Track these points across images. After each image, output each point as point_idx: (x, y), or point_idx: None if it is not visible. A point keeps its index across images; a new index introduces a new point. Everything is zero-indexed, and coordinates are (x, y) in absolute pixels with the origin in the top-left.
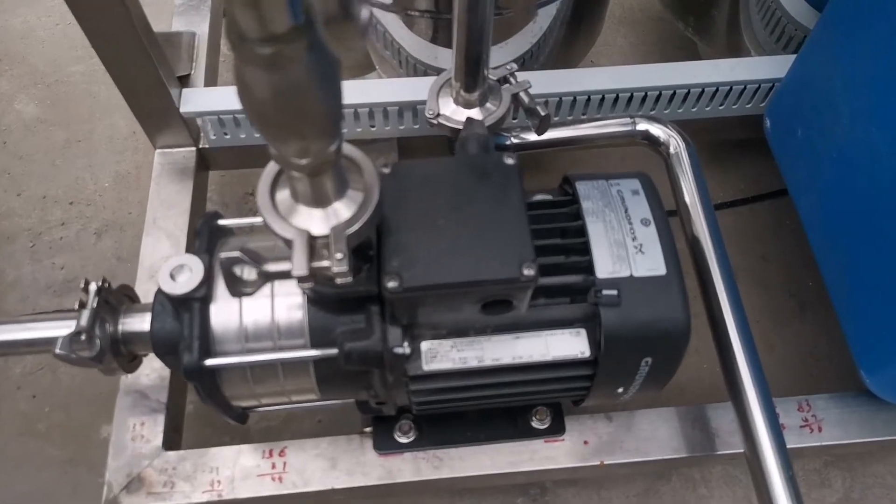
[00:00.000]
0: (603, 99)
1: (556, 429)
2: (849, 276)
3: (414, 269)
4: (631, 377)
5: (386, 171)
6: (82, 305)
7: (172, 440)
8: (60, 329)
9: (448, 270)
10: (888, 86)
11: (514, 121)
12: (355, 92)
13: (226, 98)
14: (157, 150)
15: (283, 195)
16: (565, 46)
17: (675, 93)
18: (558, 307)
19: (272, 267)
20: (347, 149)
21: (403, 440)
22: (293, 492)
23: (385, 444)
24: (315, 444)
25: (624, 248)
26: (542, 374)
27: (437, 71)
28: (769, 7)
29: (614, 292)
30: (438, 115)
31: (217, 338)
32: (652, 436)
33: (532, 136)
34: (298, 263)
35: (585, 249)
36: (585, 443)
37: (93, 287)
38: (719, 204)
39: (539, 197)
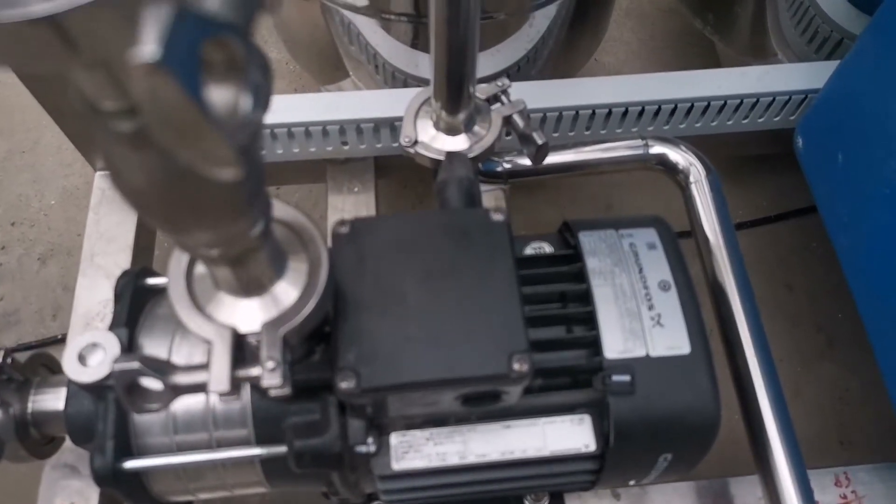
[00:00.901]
0: (610, 113)
1: None
2: None
3: (374, 365)
4: (646, 472)
5: (343, 230)
6: None
7: None
8: None
9: (418, 366)
10: None
11: (508, 137)
12: (322, 107)
13: None
14: (98, 173)
15: (204, 278)
16: (566, 49)
17: (692, 105)
18: (559, 391)
19: (183, 379)
20: (285, 213)
21: None
22: None
23: None
24: None
25: (638, 319)
26: (538, 470)
27: (419, 81)
28: (802, 4)
29: (627, 378)
30: (416, 142)
31: (139, 430)
32: None
33: (528, 162)
34: (218, 375)
35: (591, 320)
36: None
37: None
38: (738, 224)
39: (533, 248)
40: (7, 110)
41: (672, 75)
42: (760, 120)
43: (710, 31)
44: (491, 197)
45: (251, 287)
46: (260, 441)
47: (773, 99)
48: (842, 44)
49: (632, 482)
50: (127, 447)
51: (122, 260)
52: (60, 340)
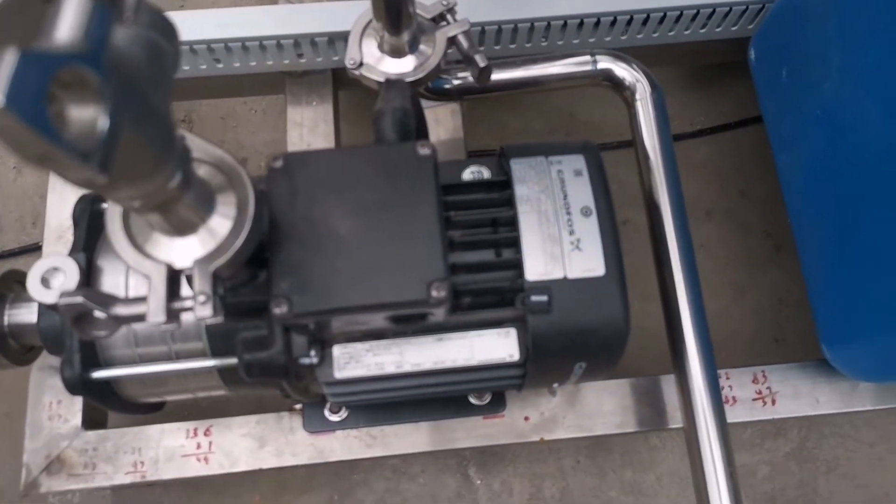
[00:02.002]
0: (565, 24)
1: (496, 406)
2: (821, 249)
3: (305, 292)
4: (565, 377)
5: (277, 164)
6: None
7: (95, 417)
8: None
9: (345, 292)
10: (890, 44)
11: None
12: (275, 21)
13: None
14: None
15: (141, 220)
16: None
17: (648, 16)
18: (487, 309)
19: (124, 310)
20: (210, 155)
21: (334, 419)
22: (219, 472)
23: (315, 424)
24: (243, 422)
25: (559, 244)
26: (467, 377)
27: None
28: None
29: (544, 298)
30: (361, 64)
31: (104, 344)
32: (596, 411)
33: None
34: (155, 307)
35: (517, 245)
36: (526, 419)
37: None
38: (700, 130)
39: (472, 173)
40: None
41: None
42: (718, 29)
43: None
44: (447, 111)
45: (182, 227)
46: (214, 353)
47: (730, 9)
48: None
49: (555, 385)
50: (94, 359)
51: None
52: (41, 247)
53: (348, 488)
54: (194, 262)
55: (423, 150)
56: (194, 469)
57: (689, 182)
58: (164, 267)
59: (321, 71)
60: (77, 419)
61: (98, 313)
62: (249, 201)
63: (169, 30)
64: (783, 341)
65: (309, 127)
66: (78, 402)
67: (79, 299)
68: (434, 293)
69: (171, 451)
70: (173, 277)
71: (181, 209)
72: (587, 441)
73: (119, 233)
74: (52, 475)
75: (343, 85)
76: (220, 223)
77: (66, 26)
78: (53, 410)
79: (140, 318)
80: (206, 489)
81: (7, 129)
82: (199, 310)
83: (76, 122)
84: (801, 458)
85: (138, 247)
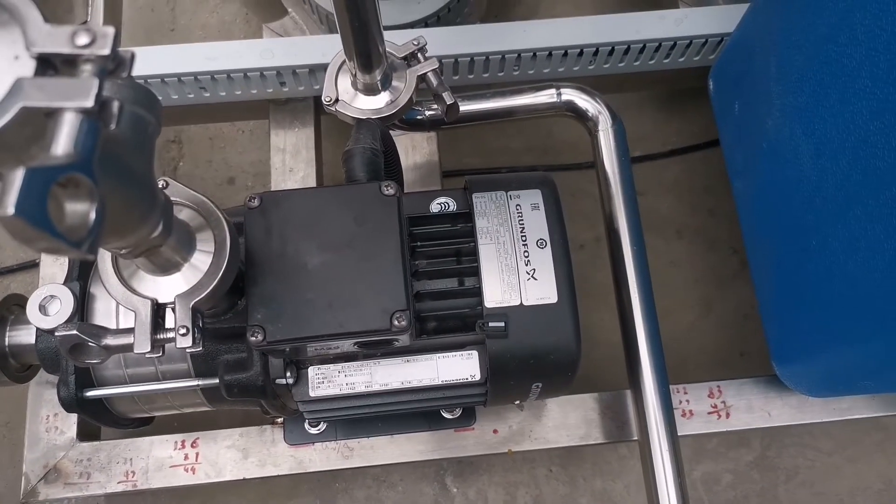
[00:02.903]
0: (535, 56)
1: (467, 419)
2: (769, 271)
3: (278, 322)
4: (524, 395)
5: (254, 204)
6: None
7: (89, 430)
8: None
9: (315, 322)
10: (821, 84)
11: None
12: (258, 54)
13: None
14: None
15: (128, 259)
16: None
17: (613, 49)
18: (450, 333)
19: (113, 341)
20: (193, 197)
21: (313, 431)
22: (206, 482)
23: (296, 436)
24: (228, 435)
25: (515, 274)
26: (434, 395)
27: None
28: None
29: (501, 324)
30: (336, 100)
31: (95, 366)
32: (561, 424)
33: None
34: (141, 339)
35: (477, 274)
36: (495, 431)
37: None
38: (672, 150)
39: (439, 204)
40: None
41: (592, 19)
42: (681, 59)
43: None
44: (423, 136)
45: (165, 267)
46: (198, 373)
47: (690, 42)
48: None
49: (517, 402)
50: (88, 379)
51: None
52: (38, 265)
53: (330, 496)
54: (176, 298)
55: (388, 191)
56: (182, 479)
57: (661, 200)
58: (149, 302)
59: (303, 99)
60: (72, 431)
61: (90, 343)
62: (227, 241)
63: (152, 102)
64: (748, 355)
65: (291, 153)
66: (73, 415)
67: (73, 331)
68: (396, 322)
69: (161, 461)
70: (157, 311)
71: (164, 252)
72: (559, 451)
73: (109, 271)
74: (50, 484)
75: (324, 111)
76: (200, 261)
77: (62, 142)
78: (50, 423)
79: (128, 348)
80: (195, 497)
81: (16, 230)
82: (180, 341)
83: (69, 216)
84: (763, 467)
85: (126, 284)
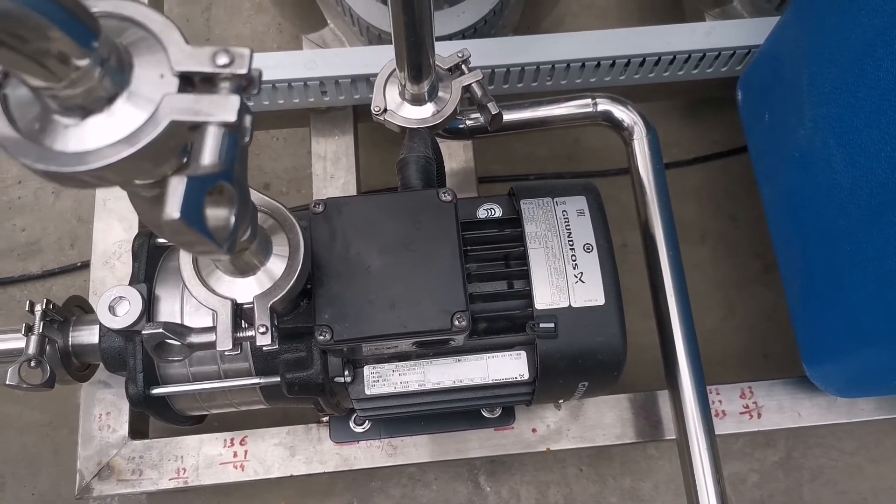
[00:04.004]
0: (568, 66)
1: (506, 419)
2: (800, 275)
3: (344, 322)
4: (570, 394)
5: (318, 210)
6: (29, 330)
7: (139, 428)
8: (10, 342)
9: (379, 322)
10: (855, 93)
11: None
12: (303, 65)
13: None
14: None
15: (209, 261)
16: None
17: (644, 60)
18: (500, 334)
19: (197, 339)
20: (269, 204)
21: (358, 430)
22: (254, 479)
23: (341, 434)
24: (275, 433)
25: (564, 277)
26: (483, 393)
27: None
28: None
29: (551, 325)
30: (385, 110)
31: (161, 364)
32: (597, 423)
33: None
34: (222, 337)
35: (526, 277)
36: (534, 431)
37: (38, 309)
38: (695, 158)
39: (485, 210)
40: None
41: (624, 32)
42: (709, 70)
43: None
44: (460, 144)
45: (244, 269)
46: (258, 372)
47: (719, 53)
48: None
49: (560, 401)
50: (154, 377)
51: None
52: (80, 267)
53: (367, 494)
54: (255, 298)
55: (446, 197)
56: (232, 476)
57: (685, 206)
58: (229, 302)
59: (342, 108)
60: (124, 429)
61: (174, 341)
62: (300, 245)
63: (249, 112)
64: (771, 357)
65: (332, 160)
66: (125, 413)
67: (159, 330)
68: (456, 322)
69: (210, 458)
70: (236, 311)
71: (246, 255)
72: (589, 451)
73: (190, 273)
74: (103, 480)
75: (362, 119)
76: (276, 264)
77: (208, 153)
78: (103, 421)
79: (210, 345)
80: (236, 494)
81: (178, 232)
82: (259, 339)
83: (215, 219)
84: (788, 467)
85: (206, 285)
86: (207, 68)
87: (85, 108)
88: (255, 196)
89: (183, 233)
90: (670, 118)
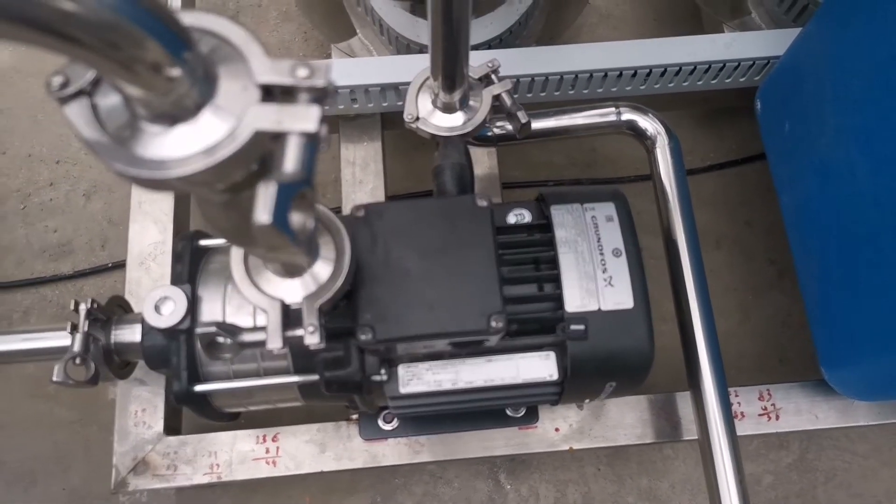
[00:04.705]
0: (591, 76)
1: (530, 418)
2: (819, 281)
3: (385, 322)
4: (597, 394)
5: (360, 214)
6: (74, 328)
7: (172, 424)
8: (56, 340)
9: (418, 322)
10: (880, 104)
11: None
12: (335, 74)
13: None
14: None
15: (258, 262)
16: (555, 8)
17: (665, 70)
18: (530, 335)
19: (248, 337)
20: (318, 210)
21: (387, 427)
22: (286, 474)
23: (370, 432)
24: (306, 430)
25: (594, 280)
26: (513, 392)
27: (420, 46)
28: None
29: (581, 327)
30: (417, 118)
31: (203, 361)
32: (619, 423)
33: None
34: (273, 336)
35: (557, 281)
36: (556, 430)
37: (83, 308)
38: (710, 165)
39: (515, 216)
40: (40, 51)
41: (646, 43)
42: (728, 81)
43: None
44: (484, 151)
45: (293, 272)
46: (297, 370)
47: (739, 64)
48: (808, 8)
49: (587, 400)
50: (196, 375)
51: (165, 207)
52: (111, 268)
53: (390, 491)
54: (304, 299)
55: (482, 203)
56: (264, 471)
57: (700, 213)
58: (278, 303)
59: (371, 115)
60: (159, 426)
61: (226, 340)
62: (346, 249)
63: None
64: (787, 361)
65: (361, 165)
66: (160, 410)
67: (213, 329)
68: (493, 324)
69: (243, 454)
70: (286, 311)
71: (298, 260)
72: (607, 451)
73: (241, 274)
74: (139, 475)
75: (389, 126)
76: (323, 267)
77: (290, 161)
78: (138, 418)
79: (260, 344)
80: (262, 490)
81: (267, 235)
82: (308, 338)
83: (297, 223)
84: (802, 469)
85: (256, 286)
86: (288, 80)
87: (173, 117)
88: None
89: (272, 236)
90: (686, 127)
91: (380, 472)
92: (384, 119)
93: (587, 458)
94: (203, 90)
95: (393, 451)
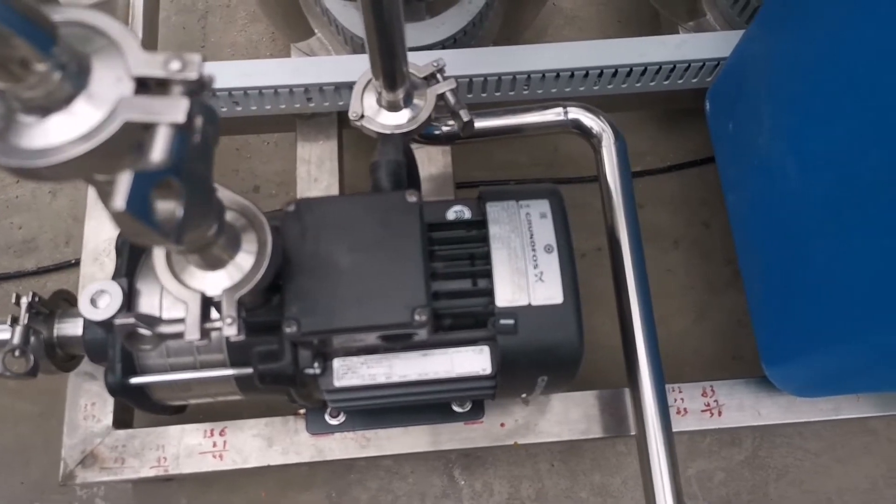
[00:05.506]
0: (543, 77)
1: (476, 413)
2: (759, 278)
3: (311, 315)
4: (531, 389)
5: (291, 209)
6: (14, 321)
7: (124, 418)
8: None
9: (344, 316)
10: (808, 105)
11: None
12: (289, 72)
13: None
14: None
15: (181, 255)
16: (511, 10)
17: (617, 71)
18: (464, 330)
19: (166, 329)
20: (238, 202)
21: (333, 422)
22: (233, 468)
23: (317, 426)
24: (254, 424)
25: (525, 276)
26: (448, 387)
27: None
28: None
29: (511, 322)
30: (362, 116)
31: (140, 354)
32: (564, 419)
33: None
34: (191, 327)
35: (489, 276)
36: (502, 425)
37: (24, 302)
38: (670, 166)
39: (455, 212)
40: None
41: (598, 44)
42: (680, 82)
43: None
44: (439, 150)
45: (214, 263)
46: (233, 363)
47: (689, 65)
48: (759, 10)
49: (524, 395)
50: (132, 367)
51: None
52: (74, 265)
53: (345, 486)
54: (223, 291)
55: (411, 198)
56: (210, 465)
57: (659, 213)
58: (198, 295)
59: (327, 113)
60: (109, 419)
61: (145, 331)
62: (268, 241)
63: (213, 115)
64: (741, 359)
65: (316, 163)
66: (110, 403)
67: (131, 320)
68: (417, 317)
69: (191, 448)
70: (206, 303)
71: (214, 250)
72: (561, 446)
73: (163, 267)
74: (87, 468)
75: (347, 125)
76: (244, 259)
77: (158, 151)
78: (88, 411)
79: (179, 335)
80: (218, 484)
81: (124, 223)
82: (226, 330)
83: (163, 211)
84: (754, 466)
85: (178, 278)
86: (161, 73)
87: (45, 108)
88: (227, 195)
89: (128, 223)
90: (647, 127)
91: (335, 467)
92: (342, 118)
93: (541, 454)
94: (75, 82)
95: (340, 446)
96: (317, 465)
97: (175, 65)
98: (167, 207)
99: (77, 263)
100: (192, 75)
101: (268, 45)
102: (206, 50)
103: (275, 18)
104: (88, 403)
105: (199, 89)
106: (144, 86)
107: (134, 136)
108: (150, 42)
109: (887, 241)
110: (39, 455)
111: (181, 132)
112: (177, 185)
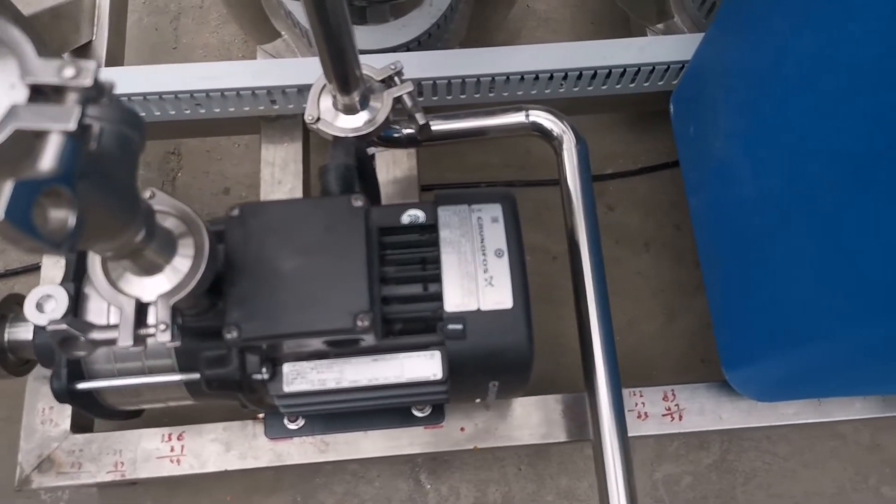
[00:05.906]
0: (508, 79)
1: (436, 417)
2: (719, 282)
3: (253, 321)
4: (483, 393)
5: (235, 213)
6: None
7: (82, 423)
8: None
9: (285, 321)
10: (759, 108)
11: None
12: (251, 74)
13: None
14: None
15: (116, 262)
16: (477, 12)
17: (581, 73)
18: (414, 334)
19: (99, 335)
20: (178, 207)
21: (292, 427)
22: (190, 473)
23: (275, 431)
24: (212, 429)
25: (474, 280)
26: (399, 392)
27: None
28: None
29: (459, 327)
30: (318, 119)
31: (88, 359)
32: (524, 423)
33: None
34: (124, 334)
35: (439, 280)
36: (462, 429)
37: None
38: (642, 168)
39: (409, 216)
40: None
41: (561, 46)
42: (646, 84)
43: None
44: (404, 152)
45: (149, 269)
46: (181, 368)
47: (653, 68)
48: None
49: (478, 400)
50: (80, 372)
51: None
52: (40, 267)
53: (311, 490)
54: (157, 297)
55: (357, 203)
56: (167, 469)
57: (630, 216)
58: (133, 301)
59: (292, 116)
60: (66, 423)
61: (79, 337)
62: (205, 247)
63: (137, 122)
64: (709, 361)
65: (280, 166)
66: (68, 408)
67: (63, 326)
68: (359, 323)
69: (148, 453)
70: (141, 309)
71: (147, 255)
72: (528, 451)
73: (98, 273)
74: (43, 473)
75: None
76: (181, 264)
77: (47, 159)
78: (46, 415)
79: (112, 342)
80: (184, 489)
81: (5, 232)
82: (160, 336)
83: (52, 221)
84: (722, 470)
85: (113, 284)
86: (55, 80)
87: None
88: (163, 198)
89: (10, 233)
90: (618, 129)
91: (301, 470)
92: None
93: (508, 457)
94: None
95: (298, 450)
96: (283, 469)
97: (69, 71)
98: (58, 217)
99: None
100: (87, 82)
101: (240, 47)
102: (178, 51)
103: (241, 20)
104: (46, 407)
105: (96, 96)
106: (41, 93)
107: (27, 144)
108: (117, 44)
109: (832, 247)
110: (3, 459)
111: (74, 140)
112: (67, 194)
